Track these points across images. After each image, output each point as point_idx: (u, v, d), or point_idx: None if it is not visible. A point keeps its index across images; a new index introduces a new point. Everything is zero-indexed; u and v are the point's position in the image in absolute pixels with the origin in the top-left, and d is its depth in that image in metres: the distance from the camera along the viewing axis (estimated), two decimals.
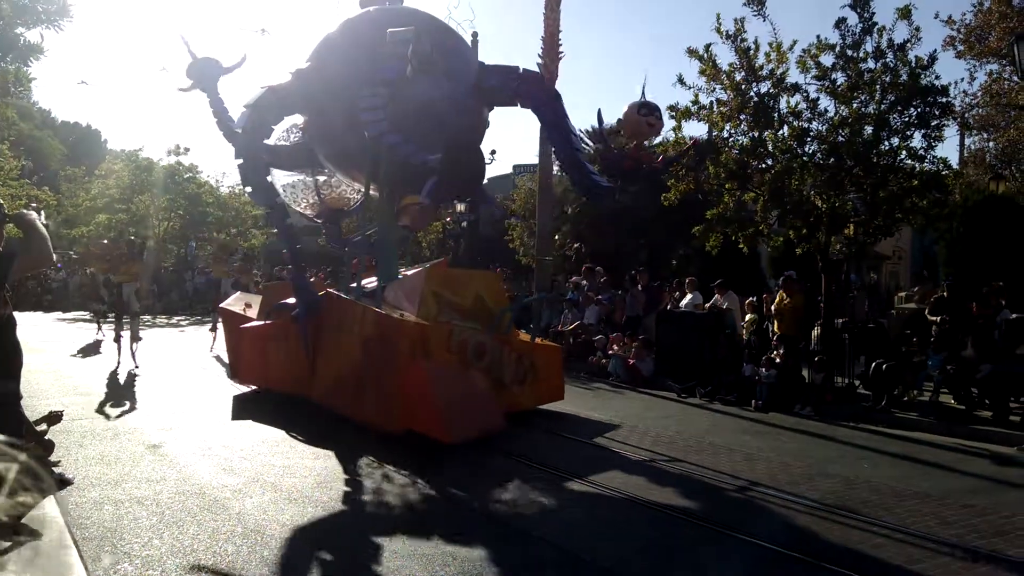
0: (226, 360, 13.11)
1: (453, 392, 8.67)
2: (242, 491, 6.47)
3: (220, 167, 50.89)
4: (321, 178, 11.74)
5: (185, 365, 14.28)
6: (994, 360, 10.50)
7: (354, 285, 10.17)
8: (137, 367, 13.08)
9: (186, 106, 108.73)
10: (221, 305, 13.49)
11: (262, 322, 11.05)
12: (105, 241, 21.39)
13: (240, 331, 11.31)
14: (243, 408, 10.27)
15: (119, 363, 13.51)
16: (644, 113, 9.47)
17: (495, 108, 10.63)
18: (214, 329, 16.49)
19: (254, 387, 11.29)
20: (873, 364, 11.52)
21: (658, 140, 19.80)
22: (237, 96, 10.40)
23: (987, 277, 13.34)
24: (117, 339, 14.16)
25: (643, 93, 10.16)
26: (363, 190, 10.84)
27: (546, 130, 10.18)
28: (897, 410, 10.89)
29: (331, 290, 10.62)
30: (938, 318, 11.78)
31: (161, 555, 4.91)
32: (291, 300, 10.33)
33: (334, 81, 9.55)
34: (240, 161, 9.90)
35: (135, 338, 14.04)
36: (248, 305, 12.31)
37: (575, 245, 26.93)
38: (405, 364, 8.64)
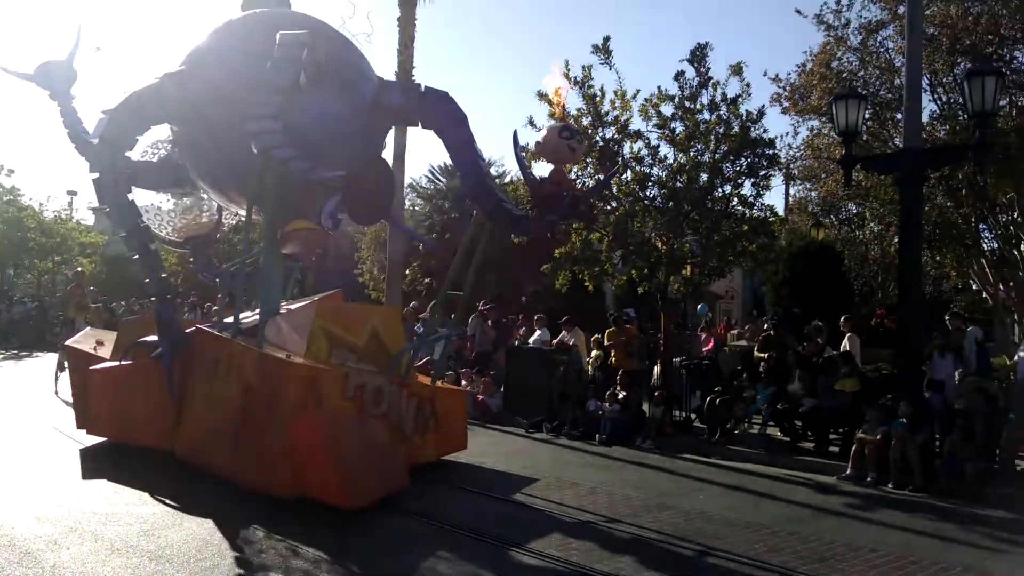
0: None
1: (351, 448, 7.63)
2: (58, 542, 5.98)
3: (45, 190, 47.50)
4: (189, 200, 10.64)
5: None
6: (815, 395, 11.27)
7: (229, 320, 9.04)
8: None
9: (8, 124, 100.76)
10: (67, 343, 11.78)
11: (116, 363, 9.58)
12: None
13: (89, 373, 9.64)
14: (93, 464, 8.92)
15: None
16: (566, 136, 8.61)
17: (391, 129, 9.94)
18: (62, 368, 14.74)
19: (104, 439, 9.77)
20: (708, 398, 12.09)
21: (508, 179, 20.13)
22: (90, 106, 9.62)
23: (809, 316, 14.35)
24: None
25: (563, 111, 9.71)
26: (243, 213, 9.79)
27: (452, 156, 9.37)
28: (729, 442, 11.45)
29: (202, 326, 9.47)
30: (765, 355, 12.55)
31: None
32: (152, 337, 9.08)
33: (212, 87, 8.51)
34: (96, 176, 8.68)
35: None
36: (100, 343, 10.84)
37: (426, 280, 26.89)
38: (294, 415, 7.52)
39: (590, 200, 10.82)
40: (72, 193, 49.74)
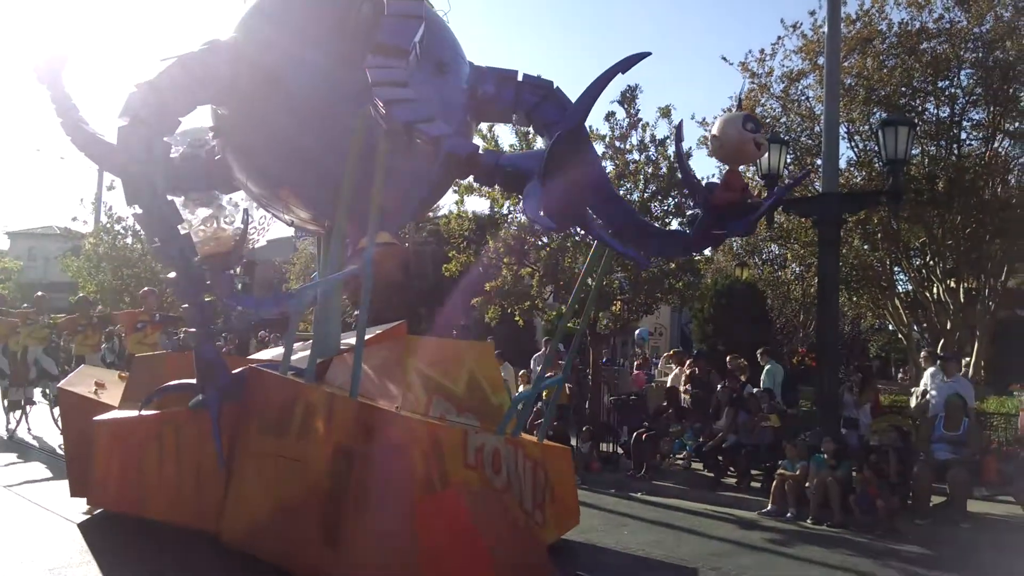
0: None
1: (499, 536, 5.89)
2: None
3: None
4: (207, 209, 8.61)
5: None
6: (737, 431, 11.48)
7: (302, 356, 7.04)
8: None
9: None
10: (60, 385, 9.42)
11: (131, 413, 7.27)
12: None
13: (95, 426, 7.27)
14: (102, 546, 6.80)
15: None
16: (751, 129, 6.33)
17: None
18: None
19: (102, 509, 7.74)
20: (634, 434, 12.20)
21: (443, 211, 20.11)
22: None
23: (732, 353, 14.66)
24: None
25: (739, 103, 8.37)
26: (299, 219, 7.97)
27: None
28: (654, 478, 11.55)
29: (260, 367, 7.18)
30: (689, 391, 12.76)
31: None
32: (187, 381, 6.99)
33: (277, 60, 6.68)
34: (125, 166, 6.68)
35: None
36: (100, 385, 8.56)
37: (356, 314, 26.63)
38: (421, 491, 5.58)
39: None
40: None
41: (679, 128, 7.02)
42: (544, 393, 9.77)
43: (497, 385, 7.40)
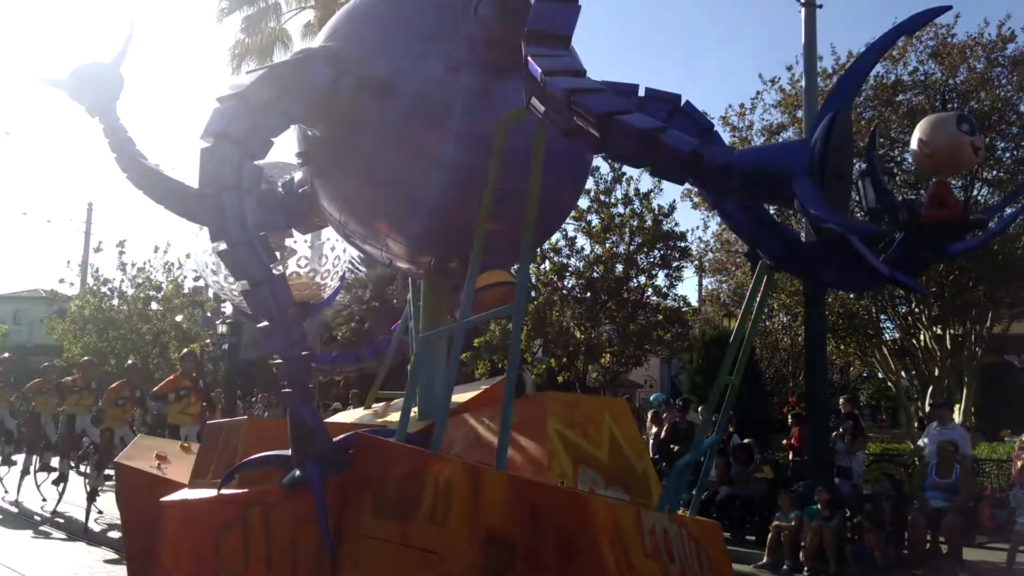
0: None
1: None
2: None
3: None
4: (277, 254, 7.18)
5: None
6: (730, 483, 11.40)
7: (368, 412, 6.15)
8: None
9: None
10: (118, 460, 7.99)
11: (208, 492, 5.98)
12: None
13: (162, 507, 5.97)
14: None
15: None
16: (967, 131, 4.95)
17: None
18: (60, 482, 12.19)
19: None
20: None
21: None
22: None
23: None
24: None
25: (941, 102, 6.89)
26: (393, 254, 6.40)
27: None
28: None
29: (367, 433, 5.83)
30: (676, 446, 12.67)
31: None
32: (278, 452, 5.59)
33: (384, 67, 5.53)
34: (215, 188, 5.34)
35: None
36: (162, 458, 7.32)
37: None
38: None
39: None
40: None
41: (873, 137, 6.05)
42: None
43: (639, 449, 6.11)
